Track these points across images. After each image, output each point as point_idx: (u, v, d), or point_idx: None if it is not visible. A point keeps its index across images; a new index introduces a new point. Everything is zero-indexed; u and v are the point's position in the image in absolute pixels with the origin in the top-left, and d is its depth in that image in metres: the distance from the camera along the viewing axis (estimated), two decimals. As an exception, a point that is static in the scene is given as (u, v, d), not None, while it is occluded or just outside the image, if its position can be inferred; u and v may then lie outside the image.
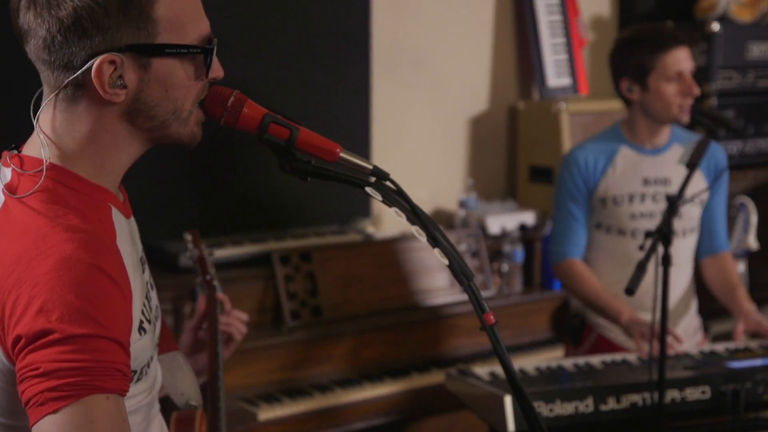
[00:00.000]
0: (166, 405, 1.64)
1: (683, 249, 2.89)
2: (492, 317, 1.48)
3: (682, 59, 2.74)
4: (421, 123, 3.89)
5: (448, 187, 3.92)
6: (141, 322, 1.30)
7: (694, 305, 2.99)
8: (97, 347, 1.15)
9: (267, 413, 2.89)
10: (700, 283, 3.09)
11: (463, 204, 3.72)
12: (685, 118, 2.76)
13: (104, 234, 1.26)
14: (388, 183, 1.45)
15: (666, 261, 2.25)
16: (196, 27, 1.31)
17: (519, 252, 3.63)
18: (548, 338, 3.64)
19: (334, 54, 3.55)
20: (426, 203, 3.93)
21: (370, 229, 3.53)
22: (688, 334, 2.95)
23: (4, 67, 2.72)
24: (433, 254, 3.54)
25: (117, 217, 1.33)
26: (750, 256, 3.77)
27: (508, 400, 2.21)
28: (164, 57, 1.27)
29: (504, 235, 3.68)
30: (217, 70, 1.38)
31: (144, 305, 1.33)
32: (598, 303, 2.80)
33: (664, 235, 2.22)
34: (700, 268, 3.02)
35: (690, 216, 2.87)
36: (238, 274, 3.14)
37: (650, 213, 2.82)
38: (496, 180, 4.11)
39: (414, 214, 1.45)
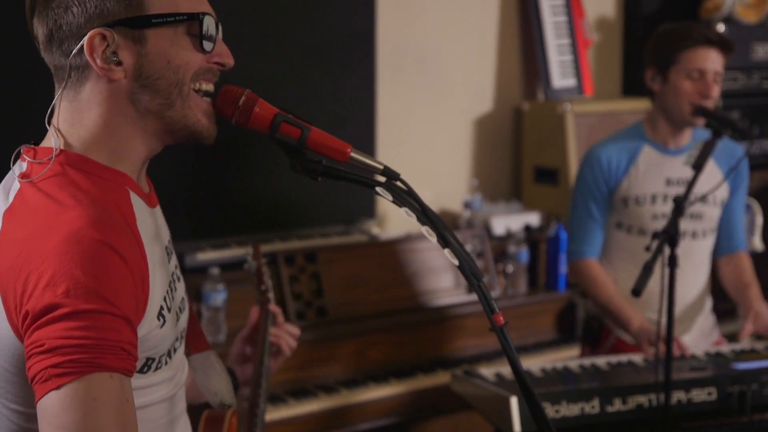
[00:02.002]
0: (201, 406, 1.66)
1: (701, 250, 2.88)
2: (502, 318, 1.49)
3: (705, 59, 2.71)
4: (426, 123, 3.89)
5: (453, 188, 3.92)
6: (161, 308, 1.30)
7: (708, 304, 2.98)
8: (103, 324, 1.15)
9: (272, 414, 2.89)
10: (712, 283, 3.08)
11: (467, 205, 3.72)
12: (698, 122, 2.74)
13: (119, 215, 1.27)
14: (398, 183, 1.46)
15: (672, 262, 2.25)
16: (190, 4, 1.33)
17: (524, 253, 3.63)
18: (553, 339, 3.64)
19: (339, 54, 3.55)
20: (431, 204, 3.88)
21: (375, 230, 3.54)
22: (704, 334, 2.93)
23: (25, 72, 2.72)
24: (438, 255, 3.56)
25: (137, 202, 1.35)
26: (755, 258, 3.77)
27: (514, 401, 2.21)
28: (155, 28, 1.29)
29: (509, 236, 3.68)
30: (225, 56, 1.39)
31: (167, 293, 1.34)
32: (610, 308, 2.79)
33: (670, 236, 2.22)
34: (716, 267, 3.01)
35: (710, 217, 2.86)
36: (242, 275, 3.12)
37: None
38: (501, 181, 4.11)
39: (424, 214, 1.45)
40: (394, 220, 3.82)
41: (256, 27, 3.35)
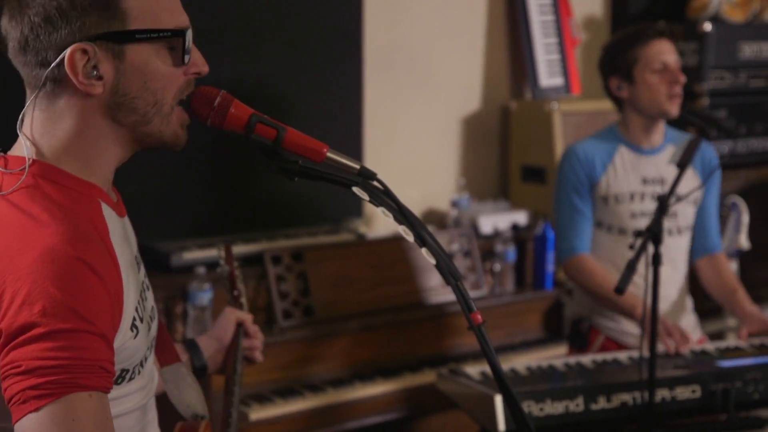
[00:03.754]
0: (172, 417, 1.65)
1: (678, 247, 2.90)
2: (479, 317, 1.48)
3: (664, 50, 2.78)
4: (413, 123, 3.89)
5: (440, 187, 3.92)
6: (134, 319, 1.30)
7: (690, 303, 3.00)
8: (80, 344, 1.15)
9: (258, 413, 2.89)
10: (691, 282, 3.09)
11: (455, 204, 3.73)
12: (675, 110, 2.77)
13: (92, 228, 1.26)
14: (375, 183, 1.46)
15: (656, 260, 2.25)
16: (171, 18, 1.32)
17: (511, 252, 3.63)
18: (540, 338, 3.64)
19: (326, 53, 3.55)
20: (419, 203, 3.93)
21: (363, 229, 3.53)
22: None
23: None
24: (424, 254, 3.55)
25: (108, 213, 1.33)
26: (741, 256, 3.79)
27: (498, 400, 2.21)
28: (136, 44, 1.28)
29: (496, 235, 3.69)
30: (201, 65, 1.38)
31: (138, 303, 1.33)
32: (611, 298, 2.72)
33: (653, 234, 2.22)
34: (696, 270, 3.02)
35: (685, 215, 2.88)
36: (229, 274, 3.14)
37: (650, 212, 2.80)
38: (489, 180, 4.11)
39: (401, 213, 1.45)
40: (381, 220, 3.81)
41: (244, 27, 3.35)
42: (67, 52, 1.24)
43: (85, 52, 1.25)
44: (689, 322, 2.99)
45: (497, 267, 3.62)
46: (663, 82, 2.76)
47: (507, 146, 4.07)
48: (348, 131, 3.62)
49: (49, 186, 1.26)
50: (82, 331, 1.15)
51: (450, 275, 1.44)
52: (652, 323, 2.26)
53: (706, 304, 3.94)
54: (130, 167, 1.43)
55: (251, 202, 3.40)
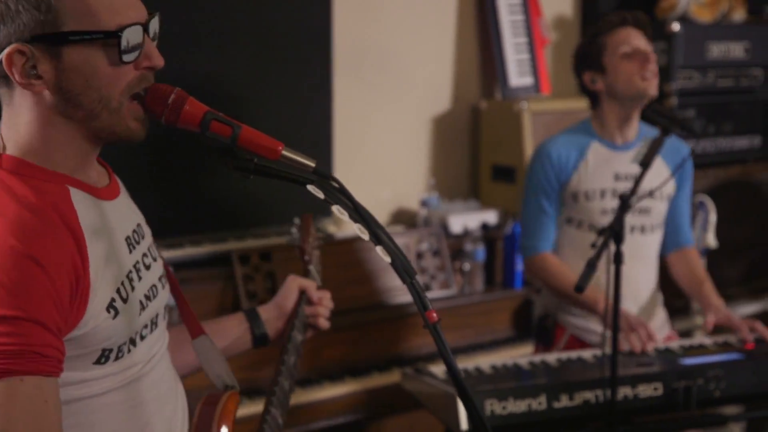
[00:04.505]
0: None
1: (651, 245, 2.90)
2: (434, 315, 1.49)
3: (629, 36, 2.77)
4: (383, 123, 3.89)
5: (411, 187, 3.93)
6: (112, 300, 1.33)
7: (660, 299, 3.01)
8: (11, 330, 1.18)
9: (246, 408, 2.87)
10: (662, 280, 3.11)
11: (424, 203, 3.73)
12: (653, 89, 2.76)
13: (55, 217, 1.29)
14: (331, 181, 1.46)
15: (618, 259, 2.26)
16: (113, 17, 1.32)
17: (480, 251, 3.64)
18: (510, 337, 3.65)
19: (295, 53, 3.54)
20: (389, 202, 3.93)
21: (332, 229, 3.53)
22: (656, 328, 2.95)
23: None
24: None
25: (81, 198, 1.36)
26: (709, 255, 3.82)
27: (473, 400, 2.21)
28: (71, 45, 1.29)
29: (466, 234, 3.69)
30: (155, 58, 1.39)
31: (122, 285, 1.36)
32: (573, 294, 2.70)
33: (615, 232, 2.23)
34: (667, 264, 3.03)
35: (658, 212, 2.88)
36: (197, 274, 3.13)
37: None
38: (460, 179, 4.12)
39: (356, 212, 1.46)
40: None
41: (211, 26, 3.33)
42: (4, 53, 1.28)
43: (22, 53, 1.28)
44: (660, 318, 3.00)
45: (467, 266, 3.63)
46: (634, 64, 2.75)
47: (477, 146, 4.08)
48: (317, 131, 3.62)
49: (11, 178, 1.30)
50: (17, 318, 1.18)
51: (405, 273, 1.45)
52: (613, 321, 2.27)
53: (676, 302, 3.97)
54: None
55: (220, 202, 3.39)
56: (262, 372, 3.11)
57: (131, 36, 1.33)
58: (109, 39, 1.31)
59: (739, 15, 4.33)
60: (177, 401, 1.53)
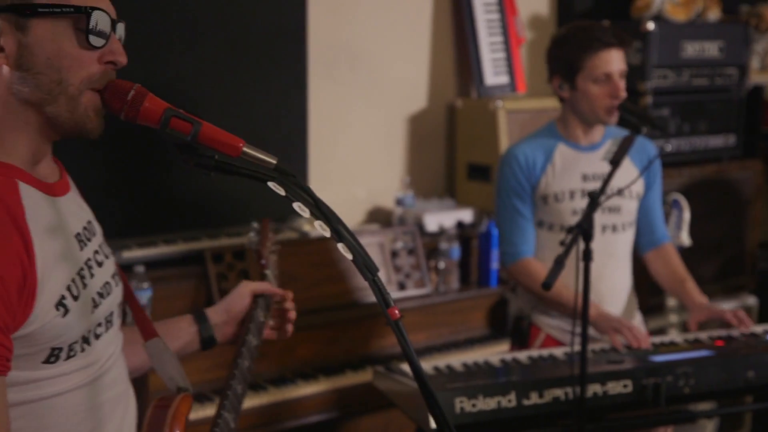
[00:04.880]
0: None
1: (623, 243, 2.91)
2: (397, 312, 1.49)
3: (610, 61, 2.73)
4: (359, 121, 3.89)
5: (386, 186, 3.92)
6: (62, 297, 1.31)
7: (634, 298, 3.02)
8: None
9: (197, 413, 2.87)
10: (639, 279, 3.11)
11: (399, 202, 3.73)
12: (612, 120, 2.77)
13: (2, 212, 1.27)
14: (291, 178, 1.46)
15: (587, 256, 2.27)
16: (85, 0, 1.32)
17: (455, 249, 3.64)
18: (485, 335, 3.66)
19: (270, 52, 3.53)
20: (365, 201, 3.93)
21: (306, 228, 3.52)
22: None
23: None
24: (368, 252, 3.55)
25: (29, 194, 1.34)
26: (684, 252, 3.83)
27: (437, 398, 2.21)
28: (40, 18, 1.28)
29: (441, 233, 3.70)
30: (118, 54, 1.38)
31: (73, 282, 1.34)
32: (561, 300, 2.75)
33: (584, 230, 2.24)
34: (646, 263, 3.04)
35: (628, 210, 2.89)
36: (170, 273, 3.12)
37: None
38: (435, 178, 4.12)
39: (318, 209, 1.45)
40: (327, 218, 3.81)
41: (185, 25, 3.32)
42: None
43: None
44: (635, 317, 3.01)
45: (442, 265, 3.63)
46: (603, 94, 2.73)
47: (453, 145, 4.08)
48: (292, 130, 3.61)
49: None
50: None
51: (366, 270, 1.45)
52: (583, 318, 2.28)
53: (651, 300, 3.99)
54: (72, 164, 1.43)
55: (193, 201, 3.38)
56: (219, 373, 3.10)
57: (100, 20, 1.33)
58: (79, 16, 1.30)
59: (714, 14, 4.36)
60: (128, 403, 1.51)
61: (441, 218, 3.76)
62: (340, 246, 1.45)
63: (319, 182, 3.76)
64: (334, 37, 3.77)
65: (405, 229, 3.60)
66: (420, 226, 3.68)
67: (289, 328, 1.99)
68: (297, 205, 1.45)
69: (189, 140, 1.41)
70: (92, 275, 1.40)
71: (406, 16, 3.96)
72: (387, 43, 3.91)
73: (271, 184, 1.44)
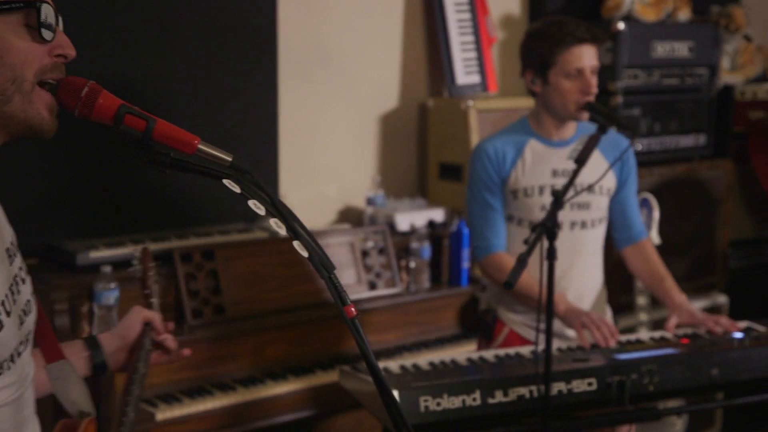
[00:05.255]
0: (59, 414, 1.63)
1: (592, 239, 2.91)
2: (353, 310, 1.49)
3: (582, 56, 2.73)
4: (331, 121, 3.88)
5: (358, 185, 3.92)
6: None
7: (604, 294, 3.02)
8: None
9: (165, 413, 2.86)
10: (610, 278, 3.12)
11: (370, 201, 3.73)
12: (583, 116, 2.78)
13: None
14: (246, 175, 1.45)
15: (551, 255, 2.27)
16: None
17: (426, 249, 3.65)
18: (456, 334, 3.66)
19: (241, 51, 3.52)
20: (336, 200, 3.93)
21: (276, 228, 3.50)
22: None
23: None
24: (340, 251, 3.56)
25: None
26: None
27: (395, 396, 2.21)
28: None
29: (413, 232, 3.70)
30: (66, 47, 1.37)
31: (6, 297, 1.31)
32: (532, 295, 2.72)
33: (548, 229, 2.24)
34: (623, 259, 3.04)
35: (598, 206, 2.89)
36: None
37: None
38: (407, 177, 4.12)
39: (274, 206, 1.44)
40: (299, 217, 3.79)
41: (155, 23, 3.31)
42: None
43: None
44: (605, 312, 3.02)
45: (413, 264, 3.63)
46: (575, 89, 2.73)
47: (425, 144, 4.09)
48: (263, 130, 3.60)
49: None
50: None
51: (323, 268, 1.44)
52: (547, 316, 2.28)
53: (621, 299, 4.01)
54: (36, 165, 1.41)
55: (162, 200, 3.36)
56: (205, 371, 3.09)
57: (48, 13, 1.32)
58: (29, 10, 1.29)
59: (684, 15, 4.38)
60: (35, 426, 1.48)
61: (412, 218, 3.76)
62: (296, 244, 1.45)
63: (290, 181, 3.75)
64: (305, 37, 3.76)
65: (375, 228, 3.59)
66: (391, 225, 3.68)
67: (182, 352, 1.97)
68: (252, 203, 1.44)
69: (143, 137, 1.40)
70: (19, 291, 1.37)
71: (377, 15, 3.96)
72: (358, 43, 3.91)
73: (226, 181, 1.43)
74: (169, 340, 1.97)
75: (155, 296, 2.13)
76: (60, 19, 1.38)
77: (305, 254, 1.44)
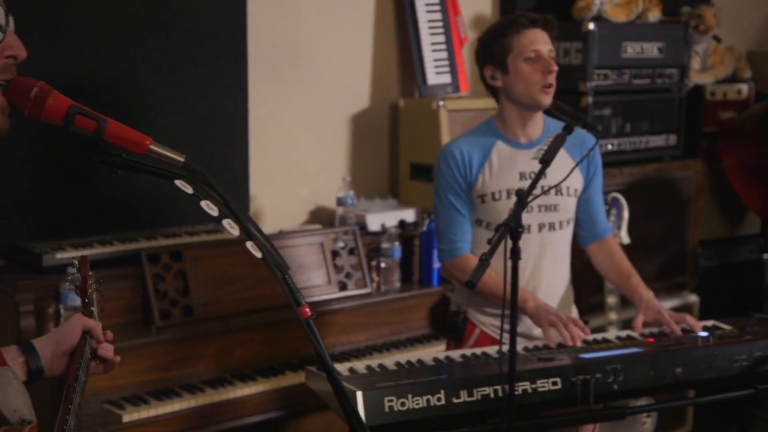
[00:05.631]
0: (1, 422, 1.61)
1: (560, 241, 2.91)
2: (308, 310, 1.49)
3: (536, 40, 2.76)
4: (301, 121, 3.87)
5: (329, 185, 3.91)
6: None
7: (571, 295, 3.03)
8: None
9: (131, 415, 2.84)
10: (577, 277, 3.12)
11: (340, 201, 3.72)
12: (547, 101, 2.76)
13: None
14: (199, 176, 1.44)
15: (515, 255, 2.27)
16: None
17: (396, 249, 3.65)
18: (426, 334, 3.66)
19: (210, 51, 3.51)
20: (307, 201, 3.92)
21: (230, 228, 3.49)
22: None
23: None
24: (310, 251, 3.55)
25: None
26: (626, 251, 3.86)
27: (359, 396, 2.21)
28: None
29: (384, 233, 3.69)
30: (17, 48, 1.37)
31: None
32: (500, 294, 2.67)
33: (511, 229, 2.25)
34: (589, 256, 3.05)
35: (565, 208, 2.89)
36: (105, 274, 3.05)
37: (529, 207, 2.80)
38: (379, 178, 4.12)
39: (227, 207, 1.44)
40: (269, 219, 3.80)
41: (122, 23, 3.29)
42: None
43: None
44: (571, 311, 3.02)
45: (383, 264, 3.63)
46: (536, 71, 2.75)
47: (396, 144, 4.09)
48: (233, 129, 3.59)
49: None
50: None
51: (276, 269, 1.44)
52: (511, 316, 2.29)
53: (592, 299, 4.02)
54: (3, 164, 1.40)
55: (129, 201, 3.34)
56: (172, 372, 3.08)
57: None
58: None
59: (654, 15, 4.40)
60: None
61: (383, 218, 3.76)
62: (249, 244, 1.45)
63: (260, 182, 3.74)
64: (275, 36, 3.75)
65: (346, 228, 3.59)
66: (362, 226, 3.68)
67: (115, 360, 1.95)
68: (205, 204, 1.44)
69: (94, 138, 1.39)
70: None
71: (348, 15, 3.95)
72: (329, 43, 3.91)
73: (178, 182, 1.43)
74: (109, 351, 1.93)
75: (95, 305, 2.11)
76: (11, 20, 1.38)
77: (258, 255, 1.44)
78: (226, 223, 1.44)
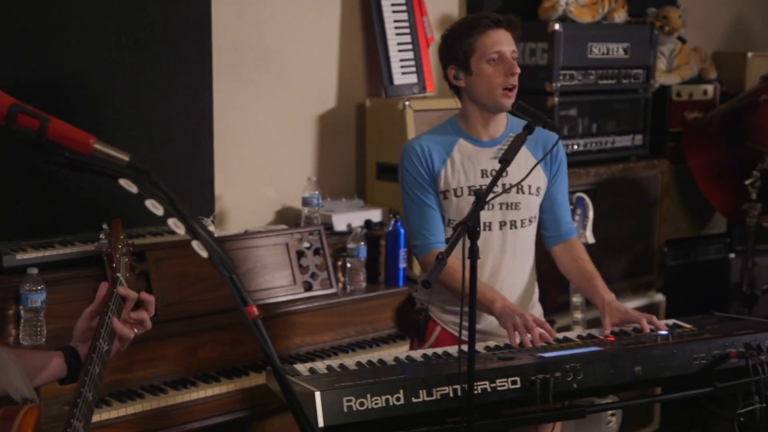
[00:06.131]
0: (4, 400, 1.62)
1: (522, 239, 2.91)
2: (255, 310, 1.48)
3: (500, 41, 2.77)
4: (267, 121, 3.86)
5: (295, 186, 3.90)
6: None
7: (536, 294, 3.03)
8: None
9: (93, 416, 2.81)
10: (543, 276, 3.12)
11: (306, 202, 3.71)
12: (508, 103, 2.78)
13: None
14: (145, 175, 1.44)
15: (473, 254, 2.27)
16: None
17: (362, 249, 3.64)
18: (392, 334, 3.66)
19: (174, 50, 3.48)
20: (274, 201, 3.91)
21: (211, 228, 3.49)
22: None
23: None
24: (275, 252, 3.54)
25: None
26: (592, 250, 3.88)
27: (317, 396, 2.20)
28: None
29: (350, 233, 3.69)
30: None
31: None
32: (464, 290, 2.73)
33: (469, 228, 2.25)
34: (554, 257, 3.05)
35: (528, 206, 2.89)
36: (66, 275, 3.07)
37: (490, 205, 2.80)
38: (346, 178, 4.12)
39: (172, 206, 1.43)
40: (234, 220, 3.78)
41: (83, 20, 3.26)
42: None
43: None
44: (536, 313, 3.03)
45: (349, 264, 3.63)
46: (498, 73, 2.76)
47: (362, 144, 4.08)
48: (198, 129, 3.57)
49: None
50: None
51: (223, 268, 1.44)
52: (470, 313, 2.29)
53: (558, 298, 4.04)
54: None
55: (91, 201, 3.31)
56: (134, 373, 3.06)
57: None
58: None
59: (620, 16, 4.43)
60: None
61: (350, 218, 3.76)
62: (195, 244, 1.44)
63: (226, 182, 3.73)
64: (239, 36, 3.74)
65: (311, 228, 3.58)
66: (328, 226, 3.67)
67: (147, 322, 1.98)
68: (150, 203, 1.43)
69: (37, 137, 1.38)
70: None
71: (313, 15, 3.95)
72: (295, 42, 3.90)
73: (122, 181, 1.42)
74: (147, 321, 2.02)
75: (121, 271, 2.11)
76: None
77: (204, 254, 1.43)
78: (171, 222, 1.43)
